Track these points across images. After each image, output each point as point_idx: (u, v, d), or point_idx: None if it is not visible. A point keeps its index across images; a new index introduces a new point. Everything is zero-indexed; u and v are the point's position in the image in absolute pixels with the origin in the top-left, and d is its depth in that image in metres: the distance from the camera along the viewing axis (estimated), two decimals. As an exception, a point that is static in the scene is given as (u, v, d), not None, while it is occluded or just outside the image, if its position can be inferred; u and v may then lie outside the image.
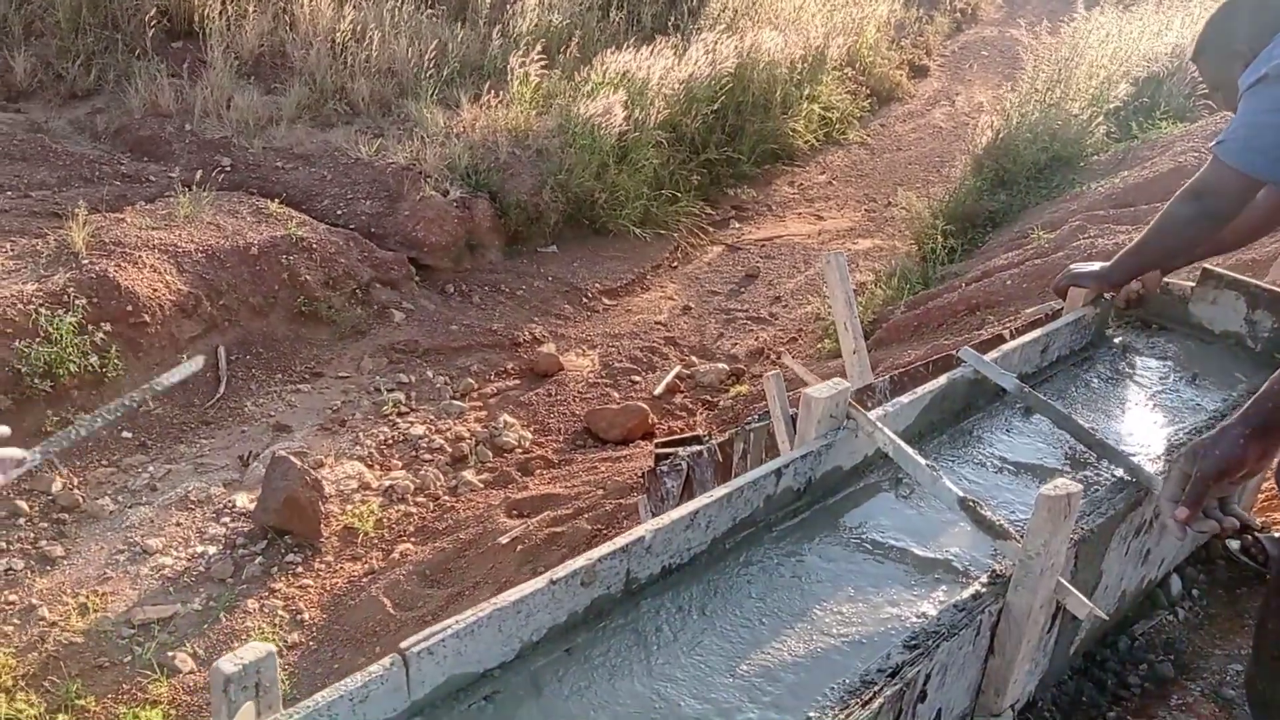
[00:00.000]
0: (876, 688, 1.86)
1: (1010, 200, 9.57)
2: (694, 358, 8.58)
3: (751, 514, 2.23)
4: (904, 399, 2.54)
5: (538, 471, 7.04)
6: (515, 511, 6.41)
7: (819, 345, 8.37)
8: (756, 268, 10.03)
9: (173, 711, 5.25)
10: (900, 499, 2.40)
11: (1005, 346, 2.85)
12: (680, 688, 1.85)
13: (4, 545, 6.12)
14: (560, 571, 1.89)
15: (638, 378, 8.29)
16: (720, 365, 8.35)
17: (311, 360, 8.14)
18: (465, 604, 5.68)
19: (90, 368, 7.14)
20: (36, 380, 6.83)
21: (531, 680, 1.82)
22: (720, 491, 2.14)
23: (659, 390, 8.06)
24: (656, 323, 9.09)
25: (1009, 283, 7.70)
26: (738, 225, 11.05)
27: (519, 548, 5.94)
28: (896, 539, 2.26)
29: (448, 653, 1.74)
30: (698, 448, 5.34)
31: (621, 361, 8.50)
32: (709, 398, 7.98)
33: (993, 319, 7.35)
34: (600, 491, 6.39)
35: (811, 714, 1.81)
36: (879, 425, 2.28)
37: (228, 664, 1.53)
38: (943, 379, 2.63)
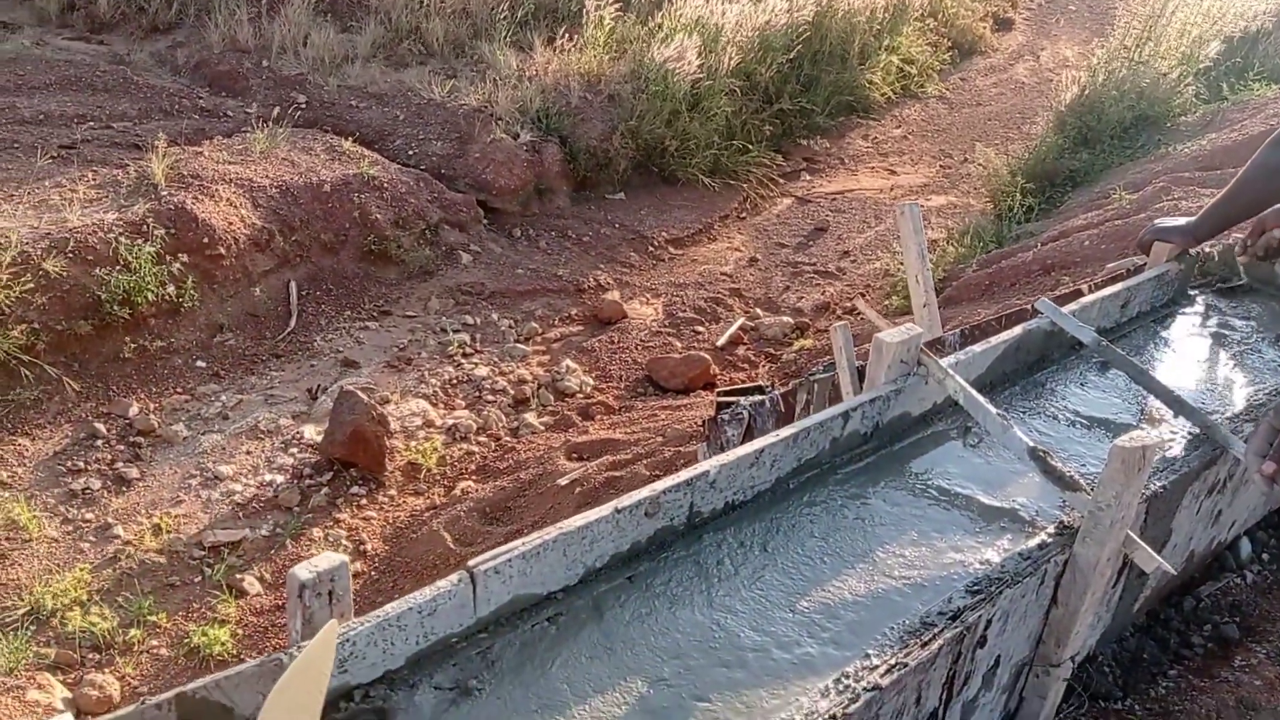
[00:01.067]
0: (936, 629, 1.86)
1: (1092, 159, 9.33)
2: (758, 310, 8.53)
3: (817, 455, 2.23)
4: (976, 347, 2.51)
5: (598, 417, 7.08)
6: (575, 455, 6.47)
7: (886, 302, 8.28)
8: (826, 221, 9.92)
9: (239, 631, 5.42)
10: (968, 448, 2.38)
11: (1084, 299, 2.80)
12: (740, 619, 1.86)
13: (82, 465, 6.32)
14: (625, 501, 1.90)
15: (701, 328, 8.28)
16: (785, 318, 8.30)
17: (380, 298, 8.24)
18: (524, 542, 5.76)
19: (167, 297, 7.30)
20: (116, 307, 7.00)
21: (594, 605, 1.85)
22: (786, 431, 2.14)
23: (722, 341, 8.04)
24: (722, 273, 9.05)
25: (1087, 244, 7.53)
26: (808, 178, 10.92)
27: (578, 490, 5.99)
28: (963, 487, 2.24)
29: (514, 573, 1.76)
30: (760, 397, 5.34)
31: (685, 311, 8.49)
32: (772, 351, 7.95)
33: (1068, 280, 7.20)
34: (659, 439, 6.42)
35: (870, 651, 1.81)
36: (950, 372, 2.26)
37: (304, 571, 1.57)
38: (1018, 329, 2.58)
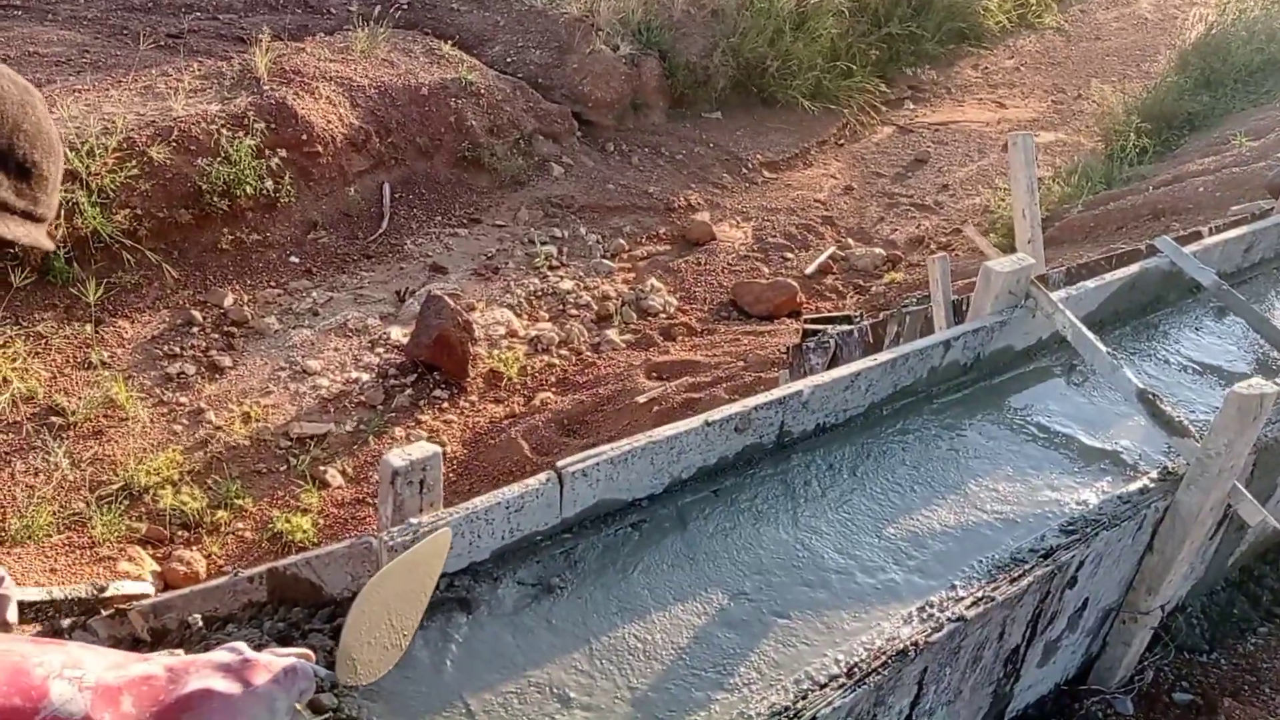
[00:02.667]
0: (1027, 566, 1.82)
1: (1213, 102, 8.89)
2: (850, 240, 8.37)
3: (913, 383, 2.17)
4: (1089, 283, 2.41)
5: (680, 338, 7.05)
6: (655, 374, 6.46)
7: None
8: (927, 152, 9.64)
9: (320, 520, 5.57)
10: (1072, 386, 2.30)
11: (1206, 241, 2.67)
12: (825, 541, 1.84)
13: (178, 351, 6.50)
14: (716, 415, 1.88)
15: (790, 255, 8.15)
16: (877, 250, 8.13)
17: (470, 206, 8.26)
18: (600, 455, 5.80)
19: (265, 192, 7.40)
20: (215, 198, 7.12)
21: (678, 515, 1.84)
22: (884, 356, 2.09)
23: (811, 269, 7.92)
24: (815, 200, 8.88)
25: (1201, 190, 7.22)
26: (912, 106, 10.60)
27: (655, 409, 6.00)
28: (1064, 425, 2.17)
29: (601, 476, 1.76)
30: (848, 327, 5.25)
31: (775, 237, 8.36)
32: (861, 282, 7.80)
33: (1177, 226, 6.92)
34: (741, 363, 6.37)
35: (957, 583, 1.77)
36: (1061, 307, 2.17)
37: (396, 458, 1.58)
38: (1134, 267, 2.47)
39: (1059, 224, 7.41)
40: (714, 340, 7.00)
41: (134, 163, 6.81)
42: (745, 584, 1.72)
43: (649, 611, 1.65)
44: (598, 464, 1.73)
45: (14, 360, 6.04)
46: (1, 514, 5.25)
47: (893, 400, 2.15)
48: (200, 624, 1.77)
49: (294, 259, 7.41)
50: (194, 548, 5.35)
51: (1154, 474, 2.02)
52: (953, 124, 10.19)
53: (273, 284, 7.18)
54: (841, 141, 9.86)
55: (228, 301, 6.88)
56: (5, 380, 5.92)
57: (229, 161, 7.18)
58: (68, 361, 6.25)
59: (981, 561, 1.82)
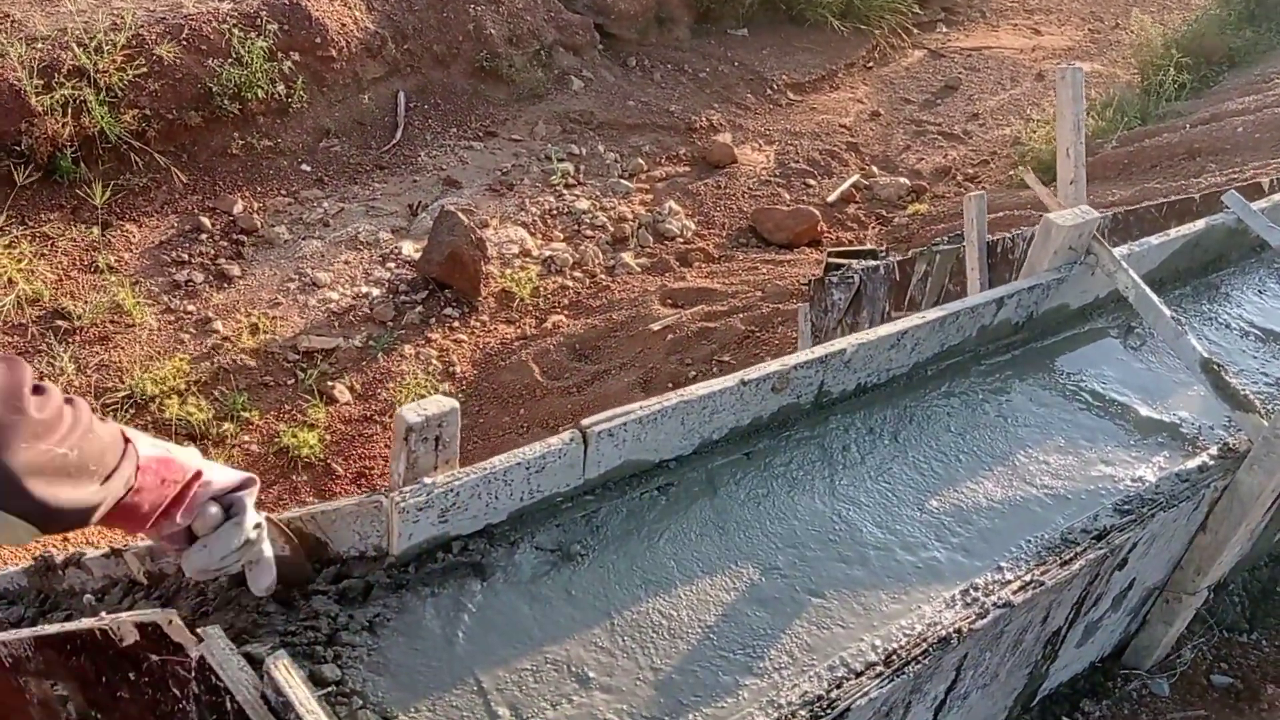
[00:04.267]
0: (1079, 549, 1.70)
1: (1256, 39, 8.57)
2: (874, 168, 8.15)
3: (961, 342, 2.04)
4: (1153, 240, 2.25)
5: (696, 264, 6.89)
6: (669, 301, 6.32)
7: (1011, 173, 7.83)
8: (958, 79, 9.35)
9: (327, 436, 5.49)
10: (1129, 350, 2.16)
11: (1276, 198, 2.50)
12: (863, 513, 1.72)
13: (186, 257, 6.37)
14: (752, 373, 1.75)
15: (812, 181, 7.95)
16: (901, 180, 7.92)
17: (487, 118, 8.03)
18: (610, 382, 5.71)
19: (276, 96, 7.19)
20: (226, 101, 6.92)
21: (708, 478, 1.72)
22: (933, 314, 1.95)
23: (833, 197, 7.72)
24: (841, 125, 8.63)
25: (1239, 130, 6.97)
26: (945, 30, 10.26)
27: (669, 336, 5.87)
28: (1119, 393, 2.04)
29: (628, 437, 1.64)
30: (873, 262, 5.08)
31: (798, 162, 8.14)
32: (884, 213, 7.61)
33: (1213, 167, 6.70)
34: (759, 293, 6.23)
35: (1003, 564, 1.66)
36: (1124, 265, 2.02)
37: (412, 413, 1.46)
38: (1200, 223, 2.32)
39: (1091, 159, 7.17)
40: (731, 268, 6.84)
41: (143, 61, 6.59)
42: (778, 558, 1.61)
43: (675, 584, 1.54)
44: (625, 423, 1.61)
45: (20, 261, 5.91)
46: (4, 418, 5.17)
47: (938, 360, 2.02)
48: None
49: (305, 167, 7.23)
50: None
51: (1214, 450, 1.89)
52: (986, 50, 9.87)
53: (283, 192, 7.01)
54: (870, 64, 9.57)
55: (237, 209, 6.72)
56: (11, 281, 5.80)
57: (240, 63, 6.96)
58: (74, 264, 6.13)
59: (1030, 541, 1.71)
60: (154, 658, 1.36)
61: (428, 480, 1.47)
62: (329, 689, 1.31)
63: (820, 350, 1.82)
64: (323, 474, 5.31)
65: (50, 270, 5.97)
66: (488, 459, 1.50)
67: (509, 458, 1.54)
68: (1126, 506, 1.77)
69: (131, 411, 5.33)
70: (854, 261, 5.24)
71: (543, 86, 8.36)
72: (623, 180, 7.65)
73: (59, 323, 5.69)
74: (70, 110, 6.24)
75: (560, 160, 7.71)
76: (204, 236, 6.50)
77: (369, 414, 5.64)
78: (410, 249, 6.68)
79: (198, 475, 1.35)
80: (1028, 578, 1.64)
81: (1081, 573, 1.69)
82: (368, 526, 1.48)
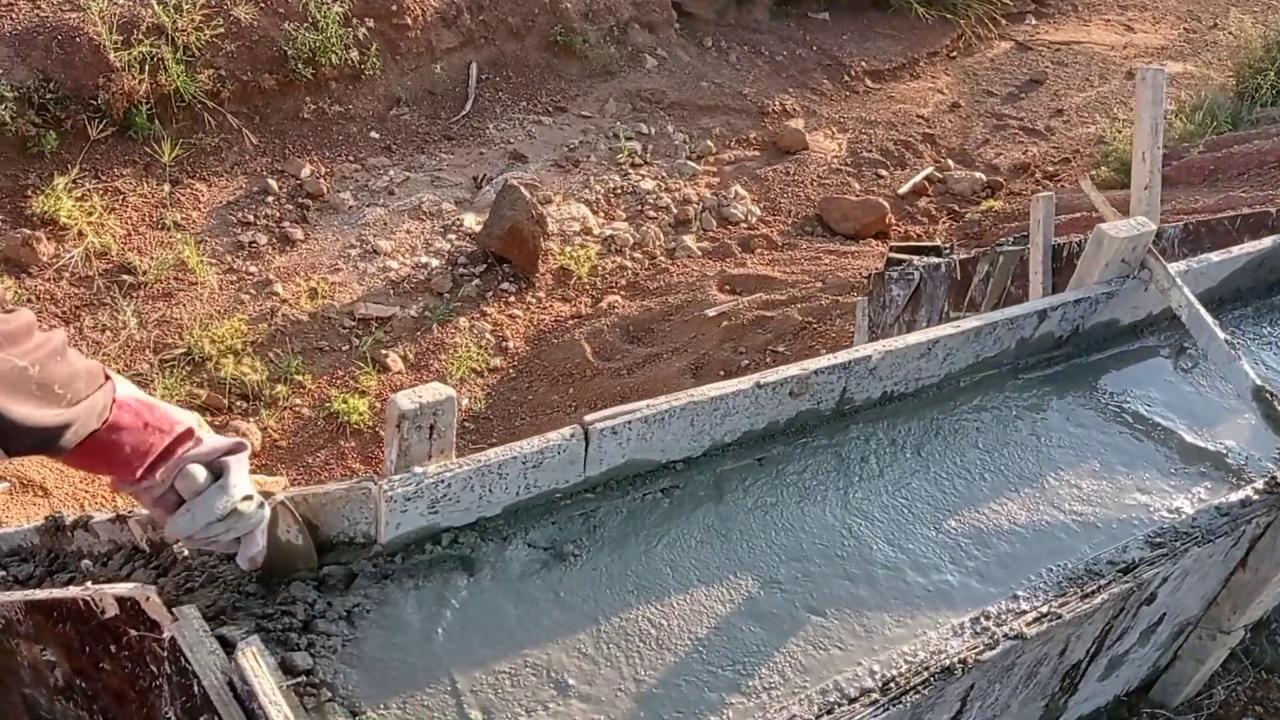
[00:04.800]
0: (1103, 581, 1.61)
1: (1366, 45, 8.16)
2: (950, 161, 7.95)
3: (999, 354, 1.95)
4: (1213, 256, 2.13)
5: (759, 250, 6.79)
6: (728, 286, 6.24)
7: (1093, 172, 7.57)
8: (1044, 73, 9.07)
9: (377, 404, 5.53)
10: (1180, 372, 2.05)
11: (1355, 218, 2.35)
12: (875, 528, 1.65)
13: (252, 219, 6.44)
14: (769, 376, 1.68)
15: (884, 172, 7.78)
16: (977, 174, 7.71)
17: (557, 93, 7.99)
18: (661, 366, 5.65)
19: (350, 62, 7.23)
20: (300, 65, 6.97)
21: (715, 483, 1.66)
22: (970, 323, 1.86)
23: (904, 189, 7.55)
24: (918, 116, 8.43)
25: (1339, 141, 6.66)
26: (1034, 22, 9.96)
27: (724, 323, 5.80)
28: (1164, 417, 1.94)
29: (632, 435, 1.58)
30: (935, 260, 4.94)
31: (871, 151, 7.97)
32: (956, 208, 7.42)
33: (1309, 180, 6.41)
34: (819, 284, 6.11)
35: (1020, 593, 1.58)
36: (1179, 282, 1.91)
37: (406, 400, 1.42)
38: (1266, 242, 2.18)
39: (1177, 163, 6.91)
40: (794, 256, 6.73)
41: (220, 21, 6.66)
42: (780, 571, 1.55)
43: (668, 592, 1.49)
44: (629, 422, 1.56)
45: (90, 214, 6.03)
46: (66, 368, 5.29)
47: (972, 371, 1.93)
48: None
49: (374, 134, 7.27)
50: (251, 420, 5.35)
51: (1260, 484, 1.78)
52: (1075, 44, 9.56)
53: (351, 158, 7.05)
54: (954, 54, 9.33)
55: (305, 172, 6.78)
56: (81, 234, 5.92)
57: (316, 27, 7.00)
58: (143, 220, 6.23)
59: (1051, 570, 1.62)
60: (132, 633, 1.35)
61: (418, 469, 1.43)
62: (299, 678, 1.28)
63: (844, 355, 1.75)
64: (370, 441, 5.34)
65: (119, 225, 6.08)
66: (503, 445, 1.46)
67: (505, 450, 1.49)
68: (1158, 539, 1.67)
69: (188, 369, 5.41)
70: (915, 258, 5.11)
71: (616, 64, 8.30)
72: (690, 162, 7.56)
73: (124, 277, 5.79)
74: (148, 67, 6.34)
75: (628, 139, 7.65)
76: (270, 199, 6.57)
77: (420, 383, 5.65)
78: (472, 221, 6.68)
79: (189, 433, 1.33)
80: (1044, 609, 1.55)
81: (1104, 606, 1.60)
82: (356, 513, 1.45)
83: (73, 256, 5.76)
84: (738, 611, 1.49)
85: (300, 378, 5.57)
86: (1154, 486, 1.80)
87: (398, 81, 7.54)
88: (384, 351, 5.79)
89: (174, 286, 5.89)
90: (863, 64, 8.92)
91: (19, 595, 1.49)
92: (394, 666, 1.33)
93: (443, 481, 1.45)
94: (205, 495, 1.32)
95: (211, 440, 1.37)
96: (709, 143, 7.79)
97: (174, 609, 1.31)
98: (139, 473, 1.28)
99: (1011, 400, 1.92)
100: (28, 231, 5.73)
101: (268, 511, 1.39)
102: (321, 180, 6.78)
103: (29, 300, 5.51)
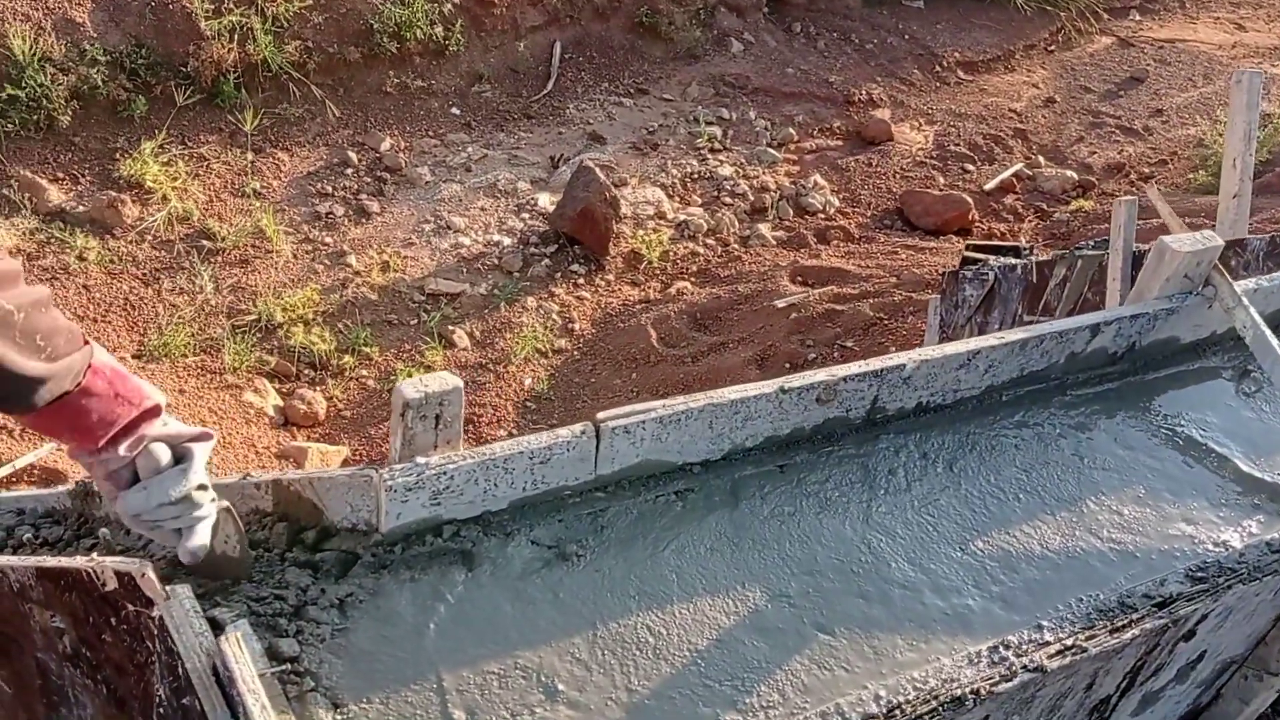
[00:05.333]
0: (1135, 616, 1.53)
1: None
2: (1041, 158, 7.71)
3: (1046, 368, 1.85)
4: (1286, 276, 2.00)
5: (835, 242, 6.67)
6: (800, 278, 6.14)
7: (1190, 176, 7.29)
8: (1145, 71, 8.74)
9: (442, 381, 5.56)
10: (1241, 396, 1.93)
11: None
12: (896, 545, 1.58)
13: (330, 190, 6.52)
14: (795, 381, 1.62)
15: (971, 167, 7.58)
16: (1068, 173, 7.47)
17: (640, 75, 7.94)
18: (727, 355, 5.59)
19: (435, 37, 7.27)
20: (385, 39, 7.03)
21: (732, 489, 1.61)
22: (1014, 335, 1.77)
23: (991, 185, 7.34)
24: (1010, 110, 8.19)
25: None
26: (1138, 18, 9.60)
27: (793, 315, 5.70)
28: (1220, 443, 1.83)
29: (646, 435, 1.54)
30: (1013, 260, 4.79)
31: (958, 145, 7.77)
32: (1044, 206, 7.19)
33: None
34: (894, 279, 5.98)
35: (1045, 622, 1.50)
36: (1244, 301, 1.80)
37: (411, 389, 1.40)
38: (1348, 263, 2.05)
39: (1278, 170, 6.61)
40: (870, 249, 6.60)
41: (307, -7, 6.76)
42: (791, 584, 1.50)
43: (671, 600, 1.45)
44: (643, 422, 1.51)
45: (174, 180, 6.17)
46: (145, 329, 5.42)
47: (1016, 385, 1.84)
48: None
49: (455, 110, 7.30)
50: (317, 388, 5.43)
51: (1319, 522, 1.67)
52: (1180, 42, 9.19)
53: (430, 134, 7.10)
54: (1052, 48, 9.04)
55: (384, 146, 6.84)
56: (164, 198, 6.06)
57: (403, 2, 7.06)
58: (225, 187, 6.36)
59: (1081, 601, 1.54)
60: (130, 607, 1.35)
61: (421, 460, 1.41)
62: (284, 666, 1.27)
63: (876, 363, 1.68)
64: (432, 416, 5.37)
65: (202, 191, 6.21)
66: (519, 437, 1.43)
67: (512, 445, 1.46)
68: (1200, 574, 1.58)
69: (259, 335, 5.51)
70: (992, 257, 4.96)
71: (700, 47, 8.21)
72: (770, 149, 7.46)
73: (204, 242, 5.91)
74: (236, 36, 6.45)
75: (709, 123, 7.57)
76: (349, 171, 6.64)
77: (484, 361, 5.68)
78: (546, 201, 6.68)
79: (156, 409, 1.30)
80: (1069, 641, 1.48)
81: (1135, 642, 1.51)
82: (359, 499, 1.44)
83: (155, 220, 5.89)
84: (742, 624, 1.44)
85: (368, 349, 5.64)
86: (1201, 517, 1.70)
87: (481, 58, 7.57)
88: (451, 328, 5.82)
89: (250, 254, 6.00)
90: (956, 54, 8.69)
91: (31, 561, 1.50)
92: (381, 660, 1.31)
93: (445, 473, 1.42)
94: (164, 476, 1.29)
95: (178, 425, 1.33)
96: (791, 130, 7.67)
97: (169, 587, 1.31)
98: (101, 442, 1.25)
99: (1056, 418, 1.83)
100: (114, 194, 5.88)
101: (216, 511, 1.35)
102: (400, 154, 6.84)
103: (111, 261, 5.66)
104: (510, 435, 5.43)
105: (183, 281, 5.70)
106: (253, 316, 5.57)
